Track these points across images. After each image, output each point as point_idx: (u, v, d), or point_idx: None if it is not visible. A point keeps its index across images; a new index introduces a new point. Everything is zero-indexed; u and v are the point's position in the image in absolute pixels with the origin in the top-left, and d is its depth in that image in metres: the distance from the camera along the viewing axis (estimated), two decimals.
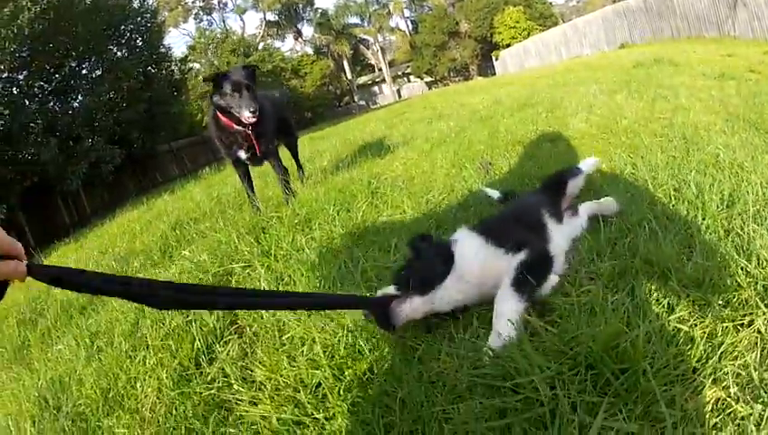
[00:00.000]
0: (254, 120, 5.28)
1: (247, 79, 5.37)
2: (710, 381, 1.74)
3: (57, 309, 5.40)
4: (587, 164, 3.89)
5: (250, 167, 6.12)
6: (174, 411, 2.67)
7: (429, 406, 1.99)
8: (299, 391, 2.39)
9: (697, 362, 1.83)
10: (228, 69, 6.02)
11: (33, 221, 19.53)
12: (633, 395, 1.73)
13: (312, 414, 2.25)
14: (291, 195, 5.82)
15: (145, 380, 3.00)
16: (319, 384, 2.41)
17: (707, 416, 1.63)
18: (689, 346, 1.89)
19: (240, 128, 5.51)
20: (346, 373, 2.39)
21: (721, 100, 6.50)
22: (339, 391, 2.30)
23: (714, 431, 1.58)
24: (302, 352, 2.65)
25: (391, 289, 2.47)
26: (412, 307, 2.39)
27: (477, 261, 2.47)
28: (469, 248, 2.53)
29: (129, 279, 1.77)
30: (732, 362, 1.80)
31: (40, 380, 3.62)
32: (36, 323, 5.38)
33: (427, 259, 2.56)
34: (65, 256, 9.82)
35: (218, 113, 5.52)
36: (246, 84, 5.31)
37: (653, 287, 2.25)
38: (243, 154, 5.72)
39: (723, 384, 1.72)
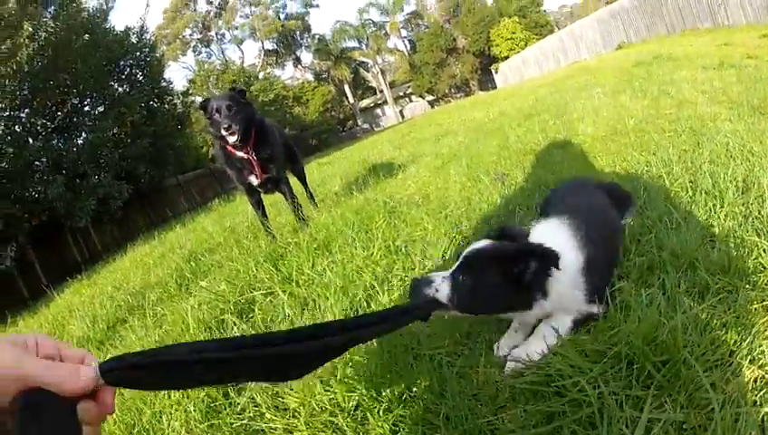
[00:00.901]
0: (235, 137, 5.30)
1: (227, 100, 5.38)
2: (747, 361, 1.77)
3: (74, 344, 5.28)
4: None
5: (262, 195, 6.15)
6: None
7: (474, 419, 1.97)
8: (336, 415, 2.32)
9: (733, 344, 1.85)
10: (212, 96, 6.02)
11: (44, 258, 19.65)
12: (676, 385, 1.75)
13: None
14: (304, 221, 5.84)
15: (171, 413, 2.93)
16: (357, 406, 2.35)
17: (748, 395, 1.66)
18: (723, 331, 1.92)
19: (242, 154, 5.55)
20: (384, 393, 2.33)
21: (723, 89, 6.53)
22: (378, 412, 2.24)
23: (755, 408, 1.61)
24: (335, 374, 2.59)
25: None
26: None
27: None
28: None
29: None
30: (766, 341, 1.84)
31: None
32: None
33: None
34: (78, 292, 9.80)
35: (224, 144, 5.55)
36: (227, 105, 5.32)
37: (683, 278, 2.28)
38: (254, 180, 5.74)
39: (759, 363, 1.76)
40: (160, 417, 2.95)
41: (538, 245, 2.15)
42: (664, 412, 1.68)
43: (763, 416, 1.59)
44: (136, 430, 2.96)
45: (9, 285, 17.63)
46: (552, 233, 2.33)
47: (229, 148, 5.54)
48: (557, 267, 2.03)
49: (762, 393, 1.66)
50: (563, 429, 1.77)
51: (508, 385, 2.05)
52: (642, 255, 2.60)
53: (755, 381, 1.71)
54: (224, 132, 5.29)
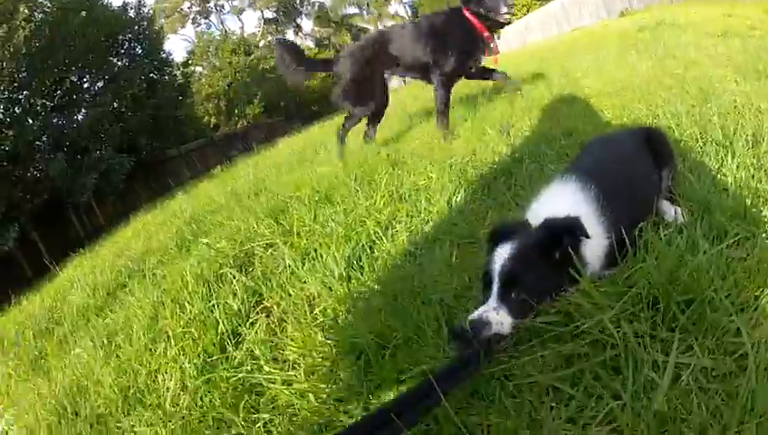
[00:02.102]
0: (509, 17, 6.09)
1: None
2: None
3: (74, 314, 5.38)
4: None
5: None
6: (200, 402, 2.56)
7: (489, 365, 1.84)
8: (337, 365, 2.28)
9: (758, 289, 1.76)
10: None
11: (48, 236, 19.72)
12: (701, 328, 1.66)
13: (355, 387, 2.13)
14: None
15: (167, 372, 2.91)
16: (359, 356, 2.27)
17: None
18: (746, 274, 1.83)
19: (488, 35, 6.25)
20: (390, 339, 2.26)
21: (727, 55, 6.45)
22: (383, 358, 2.18)
23: None
24: (338, 322, 2.55)
25: None
26: None
27: None
28: None
29: None
30: None
31: (57, 387, 3.55)
32: (53, 332, 5.34)
33: None
34: (81, 265, 9.81)
35: (473, 20, 6.17)
36: None
37: (699, 223, 2.18)
38: (483, 58, 6.55)
39: None
40: (155, 376, 2.95)
41: (556, 219, 2.01)
42: (692, 357, 1.58)
43: None
44: (131, 392, 2.95)
45: (13, 266, 17.74)
46: (559, 198, 2.21)
47: (480, 27, 6.18)
48: (586, 234, 1.91)
49: None
50: (585, 372, 1.67)
51: (524, 326, 1.91)
52: None
53: None
54: (504, 11, 6.06)
